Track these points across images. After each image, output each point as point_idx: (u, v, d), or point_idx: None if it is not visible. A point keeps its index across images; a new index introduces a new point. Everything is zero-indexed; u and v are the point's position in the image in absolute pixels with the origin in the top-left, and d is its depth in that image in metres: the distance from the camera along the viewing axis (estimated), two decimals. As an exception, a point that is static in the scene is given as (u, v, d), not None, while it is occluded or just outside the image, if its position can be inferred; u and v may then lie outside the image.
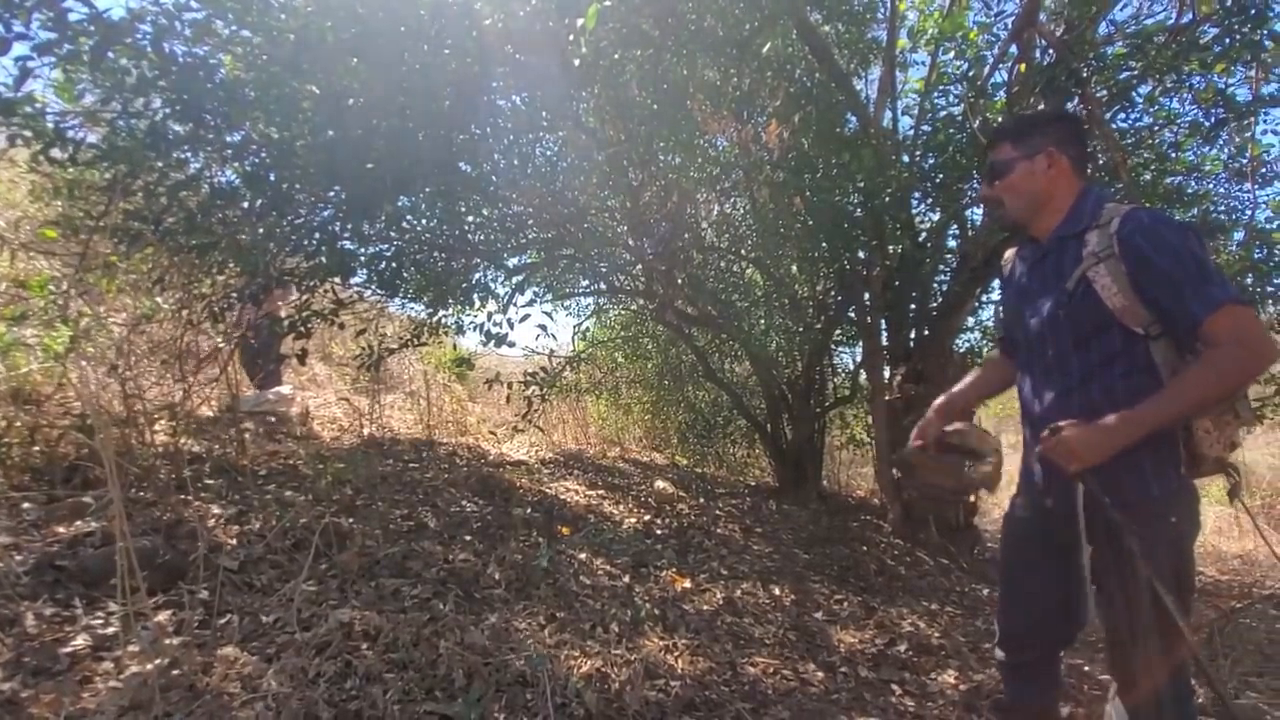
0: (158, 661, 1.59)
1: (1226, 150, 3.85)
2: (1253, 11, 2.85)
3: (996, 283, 4.15)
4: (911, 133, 4.11)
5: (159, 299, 2.96)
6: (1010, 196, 1.46)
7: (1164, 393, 1.25)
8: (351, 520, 2.68)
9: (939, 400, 1.72)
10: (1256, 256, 3.45)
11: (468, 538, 2.84)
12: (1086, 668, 2.62)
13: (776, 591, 3.11)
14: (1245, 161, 3.72)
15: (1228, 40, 2.99)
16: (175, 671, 1.60)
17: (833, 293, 4.81)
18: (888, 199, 3.54)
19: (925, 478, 1.68)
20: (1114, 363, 1.33)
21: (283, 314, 3.33)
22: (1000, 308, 1.71)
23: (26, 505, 2.18)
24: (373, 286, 3.58)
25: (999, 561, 1.67)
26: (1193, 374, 1.23)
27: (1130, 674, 1.37)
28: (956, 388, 1.73)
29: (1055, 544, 1.44)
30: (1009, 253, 1.64)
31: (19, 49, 2.04)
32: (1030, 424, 1.50)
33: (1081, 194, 1.41)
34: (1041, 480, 1.46)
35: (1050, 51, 3.44)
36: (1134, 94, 3.46)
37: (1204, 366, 1.22)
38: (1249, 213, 3.75)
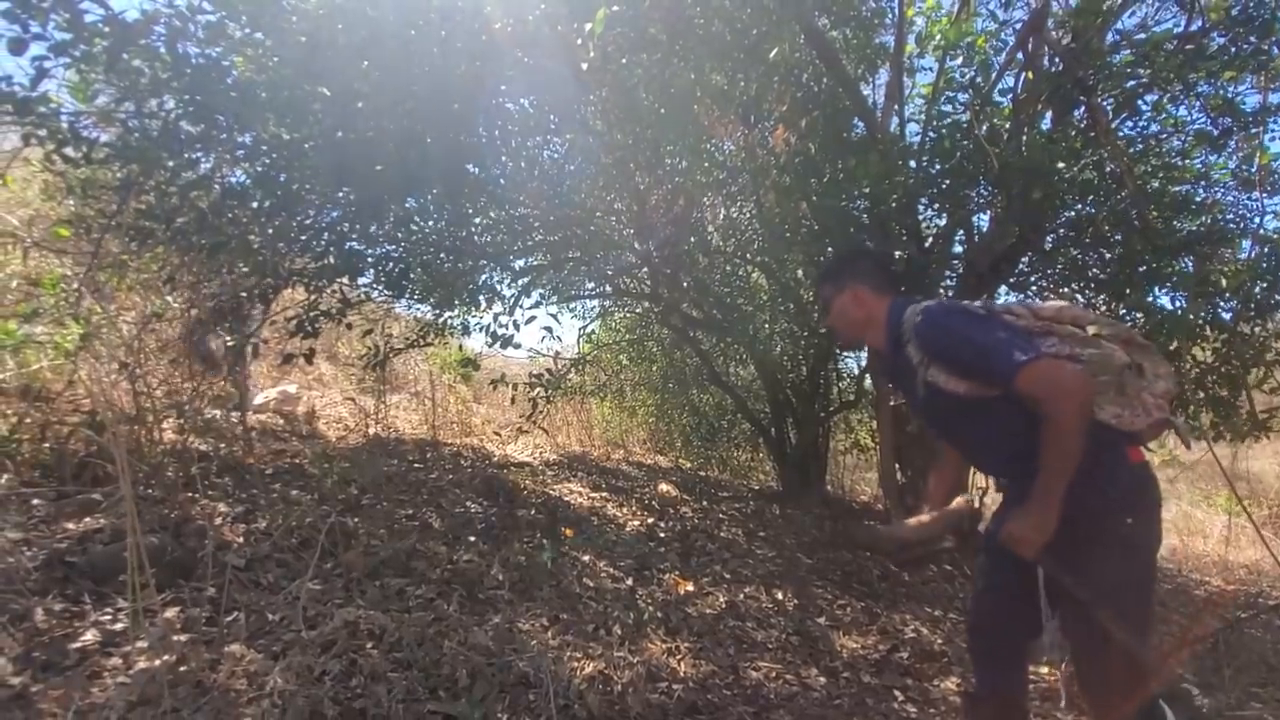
0: (165, 658, 1.60)
1: (1235, 158, 3.83)
2: (1259, 22, 2.85)
3: (1003, 290, 4.16)
4: (918, 139, 4.11)
5: (169, 298, 2.98)
6: (837, 326, 1.74)
7: (1043, 464, 1.35)
8: (357, 520, 2.69)
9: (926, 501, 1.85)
10: (1264, 265, 3.43)
11: (472, 538, 2.85)
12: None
13: (779, 596, 3.11)
14: (1254, 170, 3.70)
15: (1235, 49, 2.99)
16: (183, 668, 1.61)
17: (838, 297, 4.79)
18: (894, 204, 3.53)
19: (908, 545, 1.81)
20: (1003, 421, 1.45)
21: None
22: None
23: (36, 502, 2.20)
24: (380, 287, 3.60)
25: (978, 560, 1.71)
26: (1046, 438, 1.35)
27: (1098, 698, 1.42)
28: (933, 483, 1.87)
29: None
30: None
31: (35, 49, 2.07)
32: (979, 473, 1.68)
33: (888, 311, 1.62)
34: (1006, 509, 1.53)
35: (1058, 59, 3.44)
36: (1141, 102, 3.45)
37: (1046, 425, 1.34)
38: (1258, 221, 3.74)
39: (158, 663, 1.58)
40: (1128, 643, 1.33)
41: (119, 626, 1.73)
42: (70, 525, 2.11)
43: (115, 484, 1.70)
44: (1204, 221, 3.67)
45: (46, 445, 2.49)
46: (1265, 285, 3.41)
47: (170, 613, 1.82)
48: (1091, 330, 1.47)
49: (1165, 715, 1.44)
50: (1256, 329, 3.64)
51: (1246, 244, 3.65)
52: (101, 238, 2.66)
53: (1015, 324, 1.47)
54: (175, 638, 1.69)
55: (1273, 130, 3.69)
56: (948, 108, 3.84)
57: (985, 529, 1.68)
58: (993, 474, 1.62)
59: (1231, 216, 3.87)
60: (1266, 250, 3.44)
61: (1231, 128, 3.35)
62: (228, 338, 3.34)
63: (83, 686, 1.52)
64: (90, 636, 1.68)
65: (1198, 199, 3.78)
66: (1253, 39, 2.90)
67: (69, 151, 2.34)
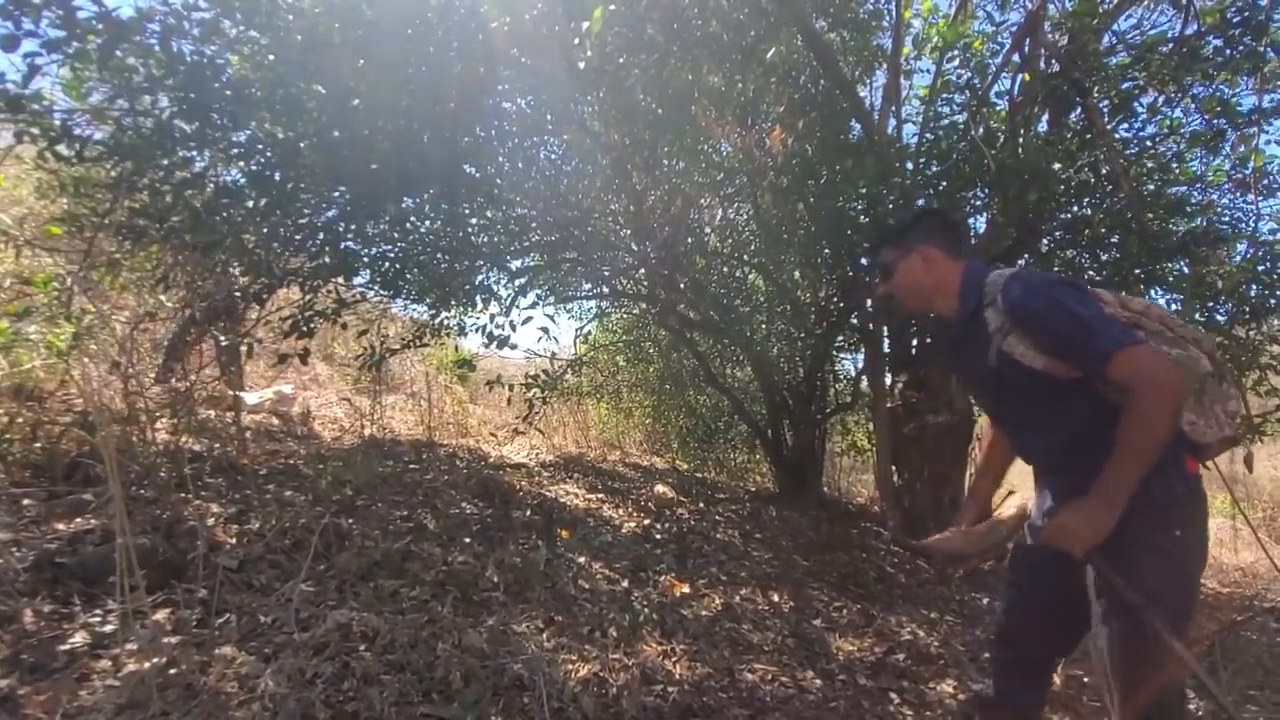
0: (155, 660, 1.59)
1: (1230, 161, 3.85)
2: (1253, 24, 2.86)
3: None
4: (915, 140, 4.12)
5: (162, 297, 2.96)
6: (901, 292, 1.61)
7: (1116, 457, 1.28)
8: (351, 521, 2.67)
9: (968, 499, 1.78)
10: (1260, 268, 3.44)
11: (467, 540, 2.84)
12: (1087, 679, 2.61)
13: (775, 598, 3.10)
14: (1248, 172, 3.72)
15: (1230, 51, 3.00)
16: (173, 670, 1.59)
17: (835, 299, 4.80)
18: (891, 206, 3.54)
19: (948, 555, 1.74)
20: (1070, 406, 1.40)
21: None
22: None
23: (27, 502, 2.18)
24: (376, 287, 3.58)
25: (1012, 559, 1.67)
26: (1128, 428, 1.27)
27: (1120, 690, 1.38)
28: (977, 479, 1.81)
29: (1068, 559, 1.44)
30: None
31: (28, 46, 2.06)
32: (1031, 464, 1.57)
33: (962, 275, 1.51)
34: (1054, 505, 1.49)
35: (1054, 61, 3.45)
36: (1137, 104, 3.46)
37: (1131, 415, 1.27)
38: (1252, 224, 3.76)
39: (147, 665, 1.56)
40: (1162, 652, 1.29)
41: (108, 628, 1.71)
42: (61, 526, 2.09)
43: (106, 484, 1.69)
44: (1199, 224, 3.68)
45: (38, 445, 2.47)
46: (1260, 288, 3.42)
47: (161, 614, 1.80)
48: (1179, 333, 1.41)
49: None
50: (1251, 332, 3.66)
51: (1241, 246, 3.67)
52: (94, 236, 2.64)
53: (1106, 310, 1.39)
54: (165, 640, 1.67)
55: (1267, 133, 3.70)
56: (944, 109, 3.85)
57: (1029, 521, 1.63)
58: (1044, 464, 1.52)
59: (1226, 219, 3.89)
60: (1261, 253, 3.45)
61: (1226, 129, 3.37)
62: (223, 337, 3.32)
63: (71, 689, 1.50)
64: (79, 638, 1.66)
65: (1193, 201, 3.80)
66: (1247, 40, 2.91)
67: (62, 149, 2.32)
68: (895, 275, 1.59)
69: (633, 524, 3.75)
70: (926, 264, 1.53)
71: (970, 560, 1.70)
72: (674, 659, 2.30)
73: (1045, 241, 4.05)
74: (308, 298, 3.20)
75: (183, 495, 2.42)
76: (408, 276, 3.53)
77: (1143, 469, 1.26)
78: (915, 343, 4.40)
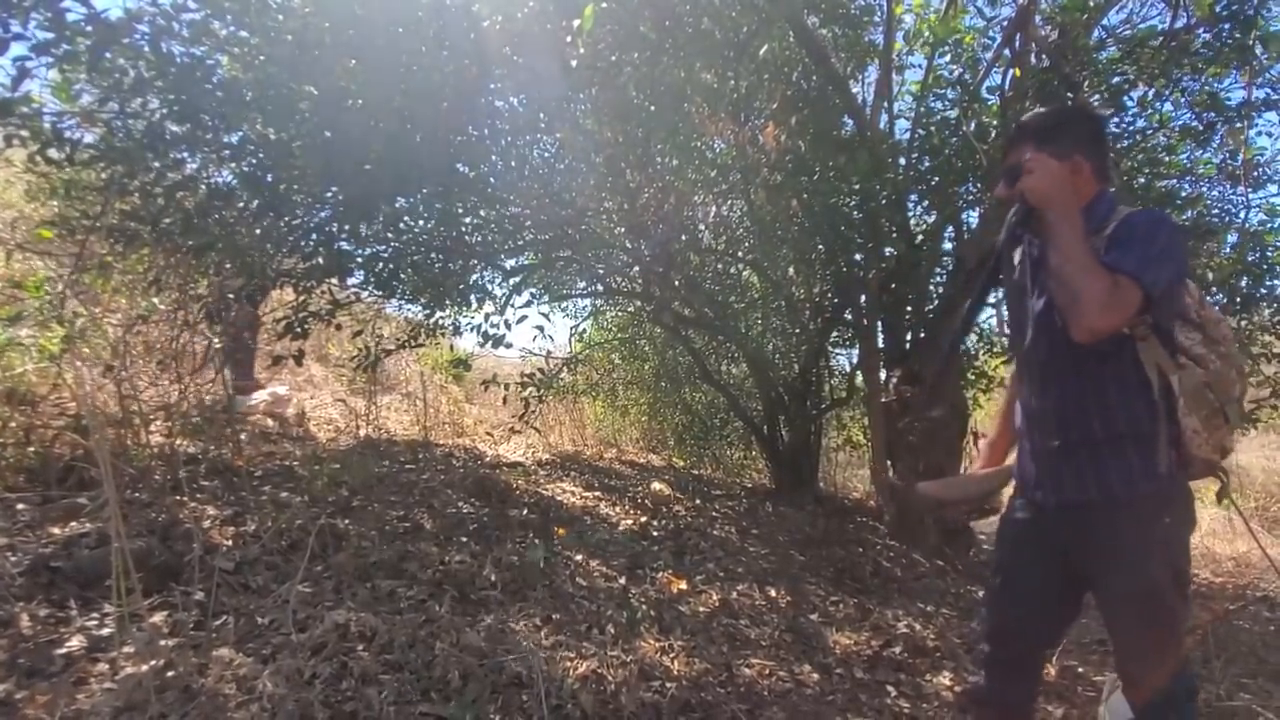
0: (153, 663, 1.58)
1: (1220, 153, 3.88)
2: (1242, 18, 2.88)
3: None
4: (907, 136, 4.13)
5: (155, 299, 2.95)
6: (1037, 197, 1.38)
7: (1080, 242, 1.26)
8: (347, 521, 2.67)
9: (986, 448, 1.73)
10: (1250, 259, 3.47)
11: (464, 539, 2.84)
12: (1080, 669, 2.63)
13: (772, 593, 3.11)
14: (1238, 164, 3.75)
15: (1219, 45, 3.02)
16: (170, 673, 1.59)
17: (829, 295, 4.82)
18: (884, 201, 3.56)
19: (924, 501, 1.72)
20: (1105, 363, 1.35)
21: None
22: (1003, 304, 1.71)
23: (21, 506, 2.18)
24: (370, 287, 3.58)
25: (994, 557, 1.67)
26: (1096, 264, 1.24)
27: (1139, 672, 1.38)
28: (996, 435, 1.73)
29: (1049, 543, 1.45)
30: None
31: (17, 49, 2.04)
32: (1027, 420, 1.51)
33: (1097, 197, 1.39)
34: (1034, 476, 1.47)
35: (1044, 56, 3.46)
36: (1127, 98, 3.48)
37: (1102, 271, 1.23)
38: (1242, 215, 3.79)
39: (144, 668, 1.56)
40: (1160, 639, 1.32)
41: (105, 632, 1.71)
42: (56, 530, 2.08)
43: (101, 488, 1.69)
44: (1190, 216, 3.71)
45: (31, 449, 2.46)
46: (1250, 279, 3.45)
47: (157, 617, 1.80)
48: (1236, 360, 1.39)
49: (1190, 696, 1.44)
50: (1242, 322, 3.69)
51: (1231, 238, 3.70)
52: (86, 239, 2.63)
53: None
54: (162, 642, 1.67)
55: (1257, 125, 3.73)
56: (936, 105, 3.87)
57: (1002, 515, 1.61)
58: (1045, 422, 1.43)
59: (1217, 211, 3.92)
60: (1251, 244, 3.48)
61: (1216, 122, 3.39)
62: (215, 339, 3.31)
63: (68, 693, 1.50)
64: (76, 642, 1.66)
65: (1183, 194, 3.83)
66: (1236, 34, 2.92)
67: (52, 153, 2.31)
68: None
69: (630, 521, 3.76)
70: (1076, 177, 1.36)
71: (948, 507, 1.67)
72: (672, 655, 2.31)
73: (1038, 235, 4.07)
74: (301, 299, 3.19)
75: (178, 498, 2.41)
76: (402, 276, 3.53)
77: (1068, 256, 1.25)
78: (909, 337, 4.41)
